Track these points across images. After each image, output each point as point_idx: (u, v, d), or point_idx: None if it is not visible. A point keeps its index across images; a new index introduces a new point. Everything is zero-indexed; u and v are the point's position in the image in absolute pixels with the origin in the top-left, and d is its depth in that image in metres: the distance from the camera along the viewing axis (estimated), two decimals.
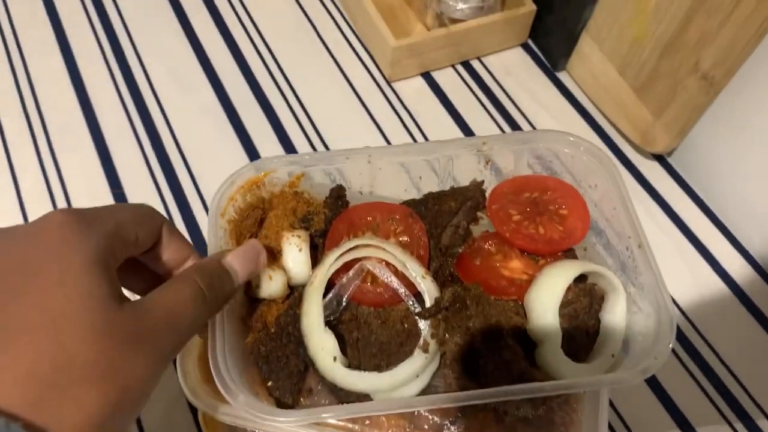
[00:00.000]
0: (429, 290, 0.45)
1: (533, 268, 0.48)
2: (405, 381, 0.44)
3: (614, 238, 0.48)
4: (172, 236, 0.41)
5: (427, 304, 0.45)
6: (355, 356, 0.46)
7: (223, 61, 0.81)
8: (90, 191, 0.69)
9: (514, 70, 0.82)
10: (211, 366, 0.40)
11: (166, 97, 0.76)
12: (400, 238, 0.48)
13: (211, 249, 0.45)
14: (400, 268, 0.46)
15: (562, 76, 0.82)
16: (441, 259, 0.50)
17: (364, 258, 0.46)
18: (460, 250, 0.51)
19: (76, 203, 0.68)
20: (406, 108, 0.78)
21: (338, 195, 0.50)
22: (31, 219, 0.42)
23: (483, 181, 0.52)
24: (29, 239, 0.32)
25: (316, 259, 0.48)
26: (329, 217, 0.49)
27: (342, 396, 0.44)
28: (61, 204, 0.67)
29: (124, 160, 0.72)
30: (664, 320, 0.43)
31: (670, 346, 0.42)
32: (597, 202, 0.50)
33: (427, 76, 0.81)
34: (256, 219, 0.49)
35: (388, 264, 0.46)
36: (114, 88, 0.77)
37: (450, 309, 0.45)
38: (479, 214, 0.52)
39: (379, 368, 0.45)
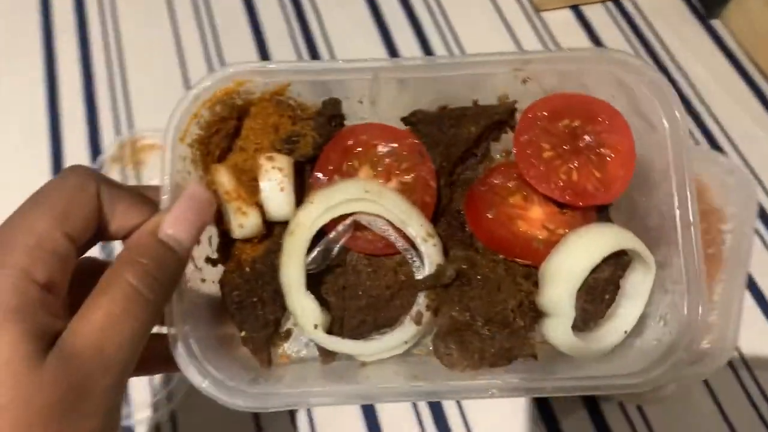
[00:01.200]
0: (430, 255, 0.38)
1: (556, 221, 0.41)
2: (391, 349, 0.39)
3: (659, 201, 0.40)
4: (116, 199, 0.33)
5: (426, 271, 0.39)
6: (339, 306, 0.41)
7: None
8: None
9: (666, 12, 0.80)
10: (171, 348, 0.35)
11: None
12: (404, 178, 0.40)
13: (164, 190, 0.36)
14: (399, 225, 0.38)
15: (715, 23, 0.80)
16: (450, 193, 0.42)
17: (357, 213, 0.38)
18: (475, 176, 0.43)
19: None
20: (553, 38, 0.76)
21: (332, 112, 0.40)
22: None
23: (515, 102, 0.42)
24: None
25: (301, 190, 0.40)
26: (319, 142, 0.40)
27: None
28: None
29: None
30: (693, 314, 0.37)
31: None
32: (649, 150, 0.40)
33: (576, 10, 0.78)
34: (227, 131, 0.39)
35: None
36: None
37: (451, 285, 0.38)
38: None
39: (363, 323, 0.40)
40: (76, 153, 0.65)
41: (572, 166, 0.41)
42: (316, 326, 0.38)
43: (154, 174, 0.64)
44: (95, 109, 0.67)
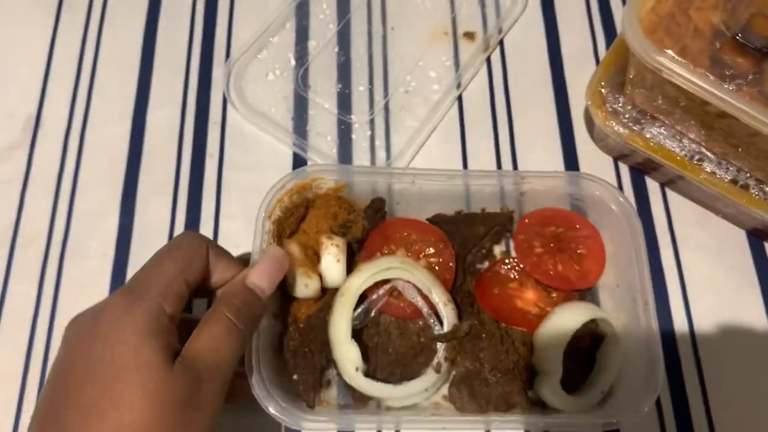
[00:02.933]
0: (449, 317, 0.49)
1: (546, 301, 0.53)
2: (415, 394, 0.49)
3: (624, 287, 0.52)
4: (218, 259, 0.44)
5: (445, 329, 0.49)
6: (372, 359, 0.51)
7: None
8: None
9: None
10: (248, 377, 0.45)
11: None
12: (431, 260, 0.52)
13: (254, 252, 0.48)
14: (425, 292, 0.50)
15: None
16: (463, 278, 0.54)
17: (394, 279, 0.50)
18: (480, 267, 0.55)
19: None
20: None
21: (378, 207, 0.53)
22: None
23: (513, 211, 0.55)
24: (97, 332, 0.38)
25: (350, 265, 0.52)
26: (367, 228, 0.53)
27: (356, 394, 0.50)
28: None
29: None
30: (652, 377, 0.47)
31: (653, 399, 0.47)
32: (615, 250, 0.53)
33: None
34: (298, 216, 0.52)
35: (415, 285, 0.50)
36: None
37: (465, 338, 0.49)
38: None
39: (392, 374, 0.50)
40: None
41: (558, 260, 0.53)
42: (357, 369, 0.48)
43: None
44: None
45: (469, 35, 0.68)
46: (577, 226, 0.54)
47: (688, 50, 0.49)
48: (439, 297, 0.49)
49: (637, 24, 0.49)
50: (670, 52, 0.48)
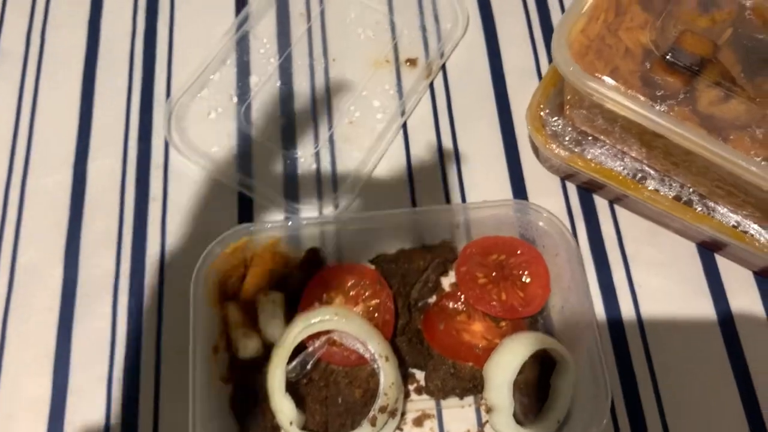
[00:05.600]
0: (385, 371, 0.48)
1: (493, 332, 0.52)
2: None
3: (568, 309, 0.52)
4: None
5: (382, 386, 0.48)
6: (323, 413, 0.50)
7: None
8: None
9: None
10: None
11: None
12: (369, 303, 0.51)
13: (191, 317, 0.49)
14: (362, 342, 0.49)
15: None
16: (408, 316, 0.53)
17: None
18: (430, 301, 0.54)
19: None
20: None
21: (313, 257, 0.53)
22: None
23: (452, 241, 0.55)
24: None
25: (290, 318, 0.51)
26: (303, 279, 0.52)
27: None
28: None
29: None
30: (601, 396, 0.47)
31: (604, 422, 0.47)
32: (557, 272, 0.53)
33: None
34: (238, 277, 0.52)
35: None
36: None
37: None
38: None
39: (343, 426, 0.49)
40: None
41: (501, 289, 0.53)
42: (291, 423, 0.47)
43: None
44: None
45: (412, 61, 0.67)
46: (519, 252, 0.54)
47: (620, 72, 0.49)
48: (375, 349, 0.48)
49: (566, 48, 0.49)
50: (600, 75, 0.48)
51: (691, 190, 0.54)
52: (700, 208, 0.54)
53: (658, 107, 0.47)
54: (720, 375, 0.55)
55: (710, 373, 0.55)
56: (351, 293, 0.52)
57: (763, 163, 0.46)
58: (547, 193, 0.61)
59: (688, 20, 0.50)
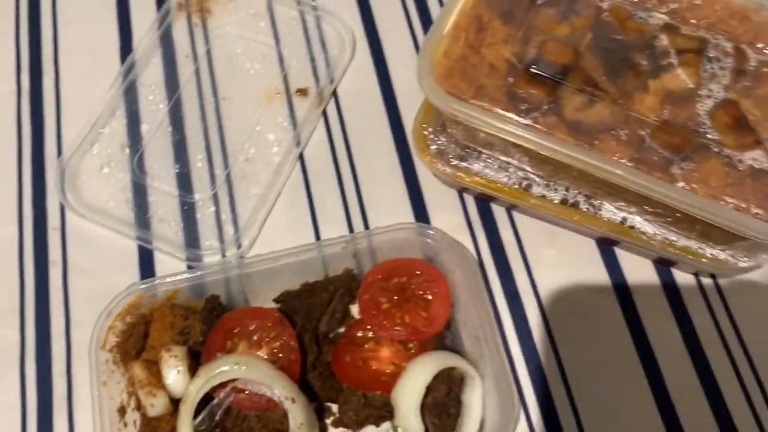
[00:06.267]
0: (294, 416, 0.48)
1: (401, 356, 0.53)
2: None
3: (470, 323, 0.52)
4: None
5: (291, 430, 0.49)
6: None
7: None
8: None
9: None
10: None
11: None
12: (272, 345, 0.51)
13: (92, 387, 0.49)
14: (267, 387, 0.49)
15: None
16: (318, 350, 0.53)
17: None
18: (341, 331, 0.55)
19: None
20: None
21: (212, 306, 0.53)
22: None
23: (352, 269, 0.55)
24: None
25: (196, 371, 0.51)
26: (204, 330, 0.52)
27: None
28: None
29: None
30: (509, 406, 0.48)
31: None
32: (457, 288, 0.54)
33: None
34: (139, 335, 0.52)
35: None
36: None
37: None
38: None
39: None
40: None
41: (405, 312, 0.53)
42: None
43: (220, 23, 0.70)
44: None
45: (302, 91, 0.67)
46: (418, 272, 0.54)
47: (486, 89, 0.50)
48: (281, 392, 0.48)
49: (429, 72, 0.49)
50: (466, 95, 0.49)
51: (576, 192, 0.56)
52: (587, 208, 0.55)
53: (523, 120, 0.48)
54: (629, 365, 0.56)
55: (620, 364, 0.56)
56: (254, 337, 0.52)
57: (628, 164, 0.47)
58: (446, 207, 0.62)
59: (549, 29, 0.52)
